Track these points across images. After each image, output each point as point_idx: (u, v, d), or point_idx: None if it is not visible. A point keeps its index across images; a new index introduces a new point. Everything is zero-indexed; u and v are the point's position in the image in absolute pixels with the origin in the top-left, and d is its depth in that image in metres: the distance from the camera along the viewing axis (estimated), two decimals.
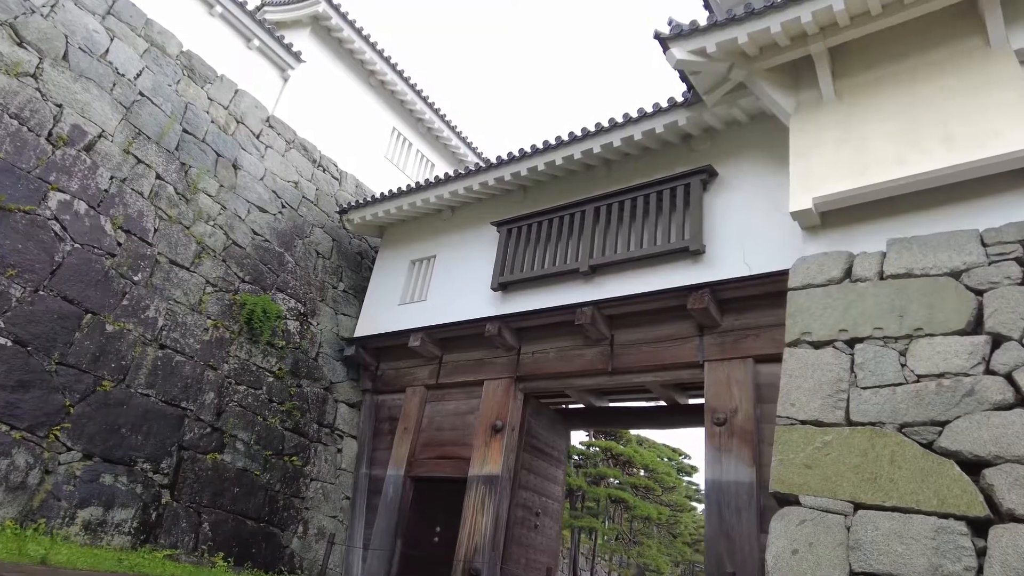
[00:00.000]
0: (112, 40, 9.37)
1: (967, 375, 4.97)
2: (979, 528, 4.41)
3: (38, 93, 8.15)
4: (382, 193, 11.98)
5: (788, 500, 5.35)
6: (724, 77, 7.71)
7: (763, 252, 7.64)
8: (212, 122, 10.65)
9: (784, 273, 7.15)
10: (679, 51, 7.36)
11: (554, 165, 9.71)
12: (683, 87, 8.35)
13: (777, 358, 7.33)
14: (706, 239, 8.13)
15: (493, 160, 10.43)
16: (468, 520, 8.82)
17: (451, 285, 10.86)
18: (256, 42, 11.92)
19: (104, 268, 8.25)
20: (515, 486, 9.25)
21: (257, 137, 11.51)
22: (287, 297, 10.95)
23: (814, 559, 4.87)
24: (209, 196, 10.14)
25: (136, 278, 8.64)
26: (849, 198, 6.33)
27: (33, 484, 6.94)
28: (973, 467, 4.61)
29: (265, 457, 9.60)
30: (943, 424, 4.89)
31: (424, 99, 15.47)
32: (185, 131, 10.10)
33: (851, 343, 5.72)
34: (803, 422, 5.58)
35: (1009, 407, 4.69)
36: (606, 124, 9.04)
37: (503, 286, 9.84)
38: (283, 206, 11.54)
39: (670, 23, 7.55)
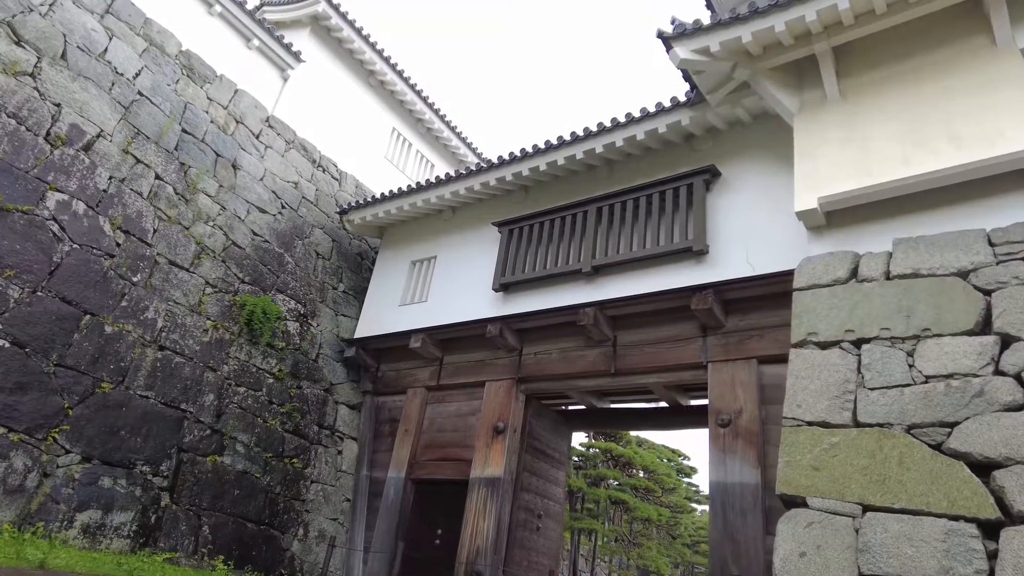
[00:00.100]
0: (111, 39, 9.31)
1: (976, 376, 4.92)
2: (990, 530, 4.36)
3: (36, 92, 8.08)
4: (382, 193, 11.93)
5: (795, 502, 5.30)
6: (727, 76, 7.67)
7: (767, 252, 7.60)
8: (211, 122, 10.59)
9: (788, 273, 7.11)
10: (682, 50, 7.32)
11: (556, 165, 9.66)
12: (685, 87, 8.34)
13: (781, 359, 7.30)
14: (709, 239, 8.09)
15: (494, 160, 10.38)
16: (470, 522, 8.76)
17: (452, 286, 10.81)
18: (256, 42, 11.86)
19: (103, 269, 8.18)
20: (517, 488, 9.20)
21: (257, 137, 11.45)
22: (287, 298, 10.88)
23: (822, 562, 4.82)
24: (208, 196, 10.07)
25: (135, 279, 8.57)
26: (854, 198, 6.29)
27: (31, 487, 6.87)
28: (983, 469, 4.56)
29: (265, 459, 9.53)
30: (952, 425, 4.84)
31: (424, 99, 15.42)
32: (184, 131, 10.04)
33: (858, 344, 5.68)
34: (810, 423, 5.54)
35: (1019, 408, 4.65)
36: (608, 124, 9.00)
37: (504, 287, 9.79)
38: (283, 206, 11.48)
39: (673, 22, 7.51)
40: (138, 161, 9.13)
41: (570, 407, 11.39)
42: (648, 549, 26.47)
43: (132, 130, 9.18)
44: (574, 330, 8.99)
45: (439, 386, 10.52)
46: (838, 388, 5.55)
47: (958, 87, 6.08)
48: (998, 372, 4.88)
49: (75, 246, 7.96)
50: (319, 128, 13.04)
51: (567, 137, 9.42)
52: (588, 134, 9.19)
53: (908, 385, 5.22)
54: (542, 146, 9.69)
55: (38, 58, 8.23)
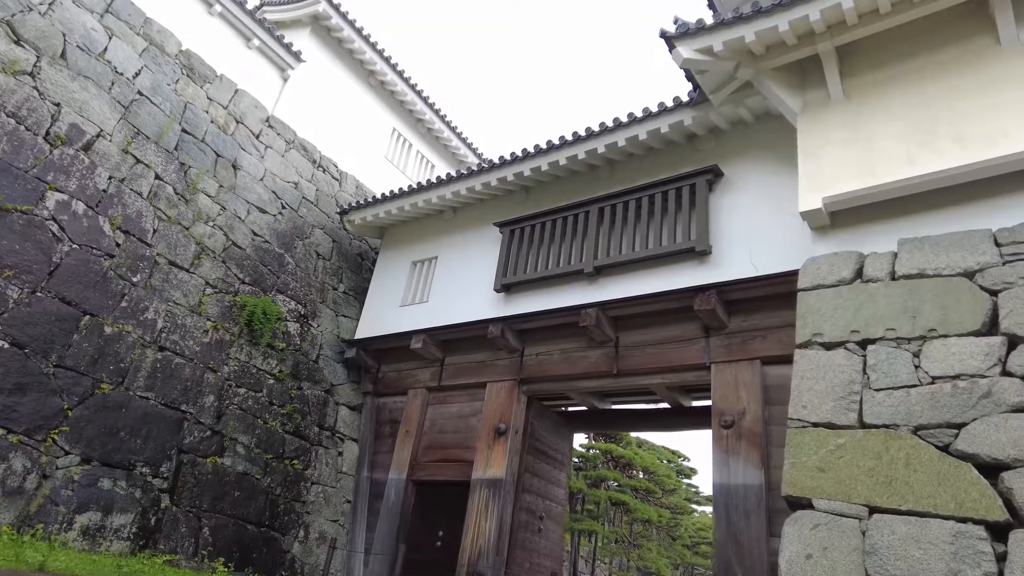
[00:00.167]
0: (110, 39, 9.26)
1: (983, 376, 4.90)
2: (998, 533, 4.33)
3: (36, 92, 8.04)
4: (383, 194, 11.89)
5: (801, 504, 5.27)
6: (730, 76, 7.64)
7: (770, 253, 7.57)
8: (211, 122, 10.54)
9: (791, 274, 7.09)
10: (685, 50, 7.30)
11: (557, 165, 9.63)
12: (687, 87, 8.32)
13: (785, 360, 7.28)
14: (712, 239, 8.06)
15: (495, 160, 10.35)
16: (472, 524, 8.71)
17: (453, 286, 10.77)
18: (256, 41, 11.83)
19: (103, 269, 8.13)
20: (519, 489, 9.15)
21: (257, 137, 11.41)
22: (287, 299, 10.84)
23: (829, 564, 4.79)
24: (208, 196, 10.03)
25: (135, 279, 8.52)
26: (859, 198, 6.27)
27: (30, 489, 6.82)
28: (991, 470, 4.53)
29: (266, 461, 9.48)
30: (959, 426, 4.81)
31: (424, 99, 15.39)
32: (184, 131, 9.99)
33: (863, 344, 5.65)
34: (815, 424, 5.51)
35: None
36: (610, 123, 8.97)
37: (506, 287, 9.75)
38: (283, 207, 11.44)
39: (676, 22, 7.49)
40: (138, 161, 9.08)
41: (571, 408, 11.36)
42: (648, 550, 26.43)
43: (132, 130, 9.14)
44: (576, 331, 8.95)
45: (440, 387, 10.48)
46: (843, 389, 5.52)
47: (963, 87, 6.05)
48: (1005, 373, 4.85)
49: (74, 246, 7.91)
50: (319, 128, 13.00)
51: (569, 137, 9.39)
52: (590, 134, 9.16)
53: (914, 386, 5.19)
54: (544, 146, 9.66)
55: (37, 57, 8.18)
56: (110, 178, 8.62)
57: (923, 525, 4.57)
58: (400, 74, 14.66)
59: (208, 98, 10.64)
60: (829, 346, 5.81)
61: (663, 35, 7.45)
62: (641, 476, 27.31)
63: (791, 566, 4.96)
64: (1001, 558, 4.21)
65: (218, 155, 10.46)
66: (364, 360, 11.43)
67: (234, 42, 11.62)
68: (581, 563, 25.14)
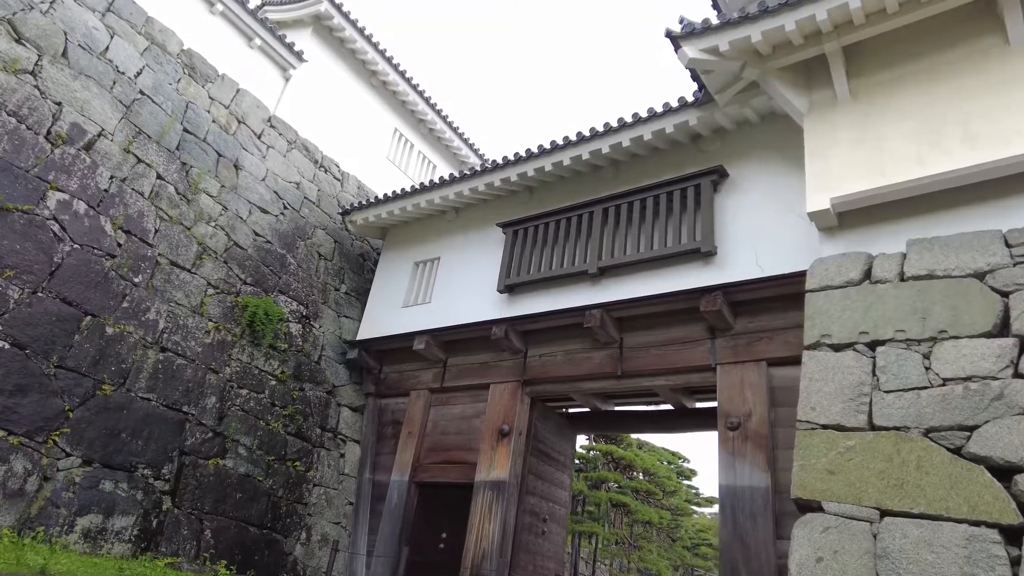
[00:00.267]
0: (112, 38, 9.21)
1: (995, 378, 4.86)
2: (1012, 536, 4.29)
3: (37, 91, 7.98)
4: (385, 194, 11.84)
5: (810, 507, 5.23)
6: (736, 76, 7.60)
7: (775, 253, 7.53)
8: (213, 122, 10.49)
9: (798, 275, 7.05)
10: (691, 50, 7.26)
11: (561, 166, 9.59)
12: (689, 86, 8.29)
13: (791, 361, 7.24)
14: (717, 240, 8.02)
15: (499, 160, 10.30)
16: (475, 526, 8.66)
17: (456, 287, 10.72)
18: (257, 41, 11.78)
19: (104, 269, 8.08)
20: (522, 492, 9.10)
21: (259, 137, 11.36)
22: (289, 299, 10.78)
23: (840, 567, 4.75)
24: (210, 196, 9.97)
25: (136, 279, 8.46)
26: (867, 198, 6.23)
27: (31, 491, 6.76)
28: (1004, 473, 4.50)
29: (267, 462, 9.42)
30: (971, 429, 4.77)
31: (426, 100, 15.35)
32: (186, 130, 9.94)
33: (872, 346, 5.61)
34: (824, 426, 5.47)
35: None
36: (615, 124, 8.93)
37: (509, 288, 9.70)
38: (285, 207, 11.38)
39: (681, 21, 7.45)
40: (139, 161, 9.03)
41: (573, 409, 11.31)
42: (649, 552, 26.38)
43: (133, 129, 9.08)
44: (580, 332, 8.91)
45: (443, 388, 10.43)
46: (853, 391, 5.48)
47: (972, 87, 6.02)
48: (1018, 375, 4.81)
49: (76, 246, 7.85)
50: (321, 128, 12.96)
51: (573, 137, 9.35)
52: (594, 134, 9.12)
53: (925, 388, 5.15)
54: (547, 146, 9.62)
55: (39, 56, 8.13)
56: (111, 178, 8.57)
57: (936, 529, 4.53)
58: (402, 74, 14.62)
59: (210, 98, 10.59)
60: (838, 347, 5.77)
61: (669, 35, 7.41)
62: (641, 478, 27.26)
63: (801, 569, 4.92)
64: (1016, 562, 4.17)
65: (220, 155, 10.40)
66: (366, 361, 11.38)
67: (236, 41, 11.57)
68: (582, 565, 25.09)
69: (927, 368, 5.22)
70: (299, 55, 12.41)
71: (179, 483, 8.23)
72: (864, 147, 6.42)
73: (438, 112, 15.72)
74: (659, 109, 8.59)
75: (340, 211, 12.40)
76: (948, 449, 4.80)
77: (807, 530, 5.08)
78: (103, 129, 8.64)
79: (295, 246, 11.27)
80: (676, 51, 7.42)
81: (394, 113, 15.15)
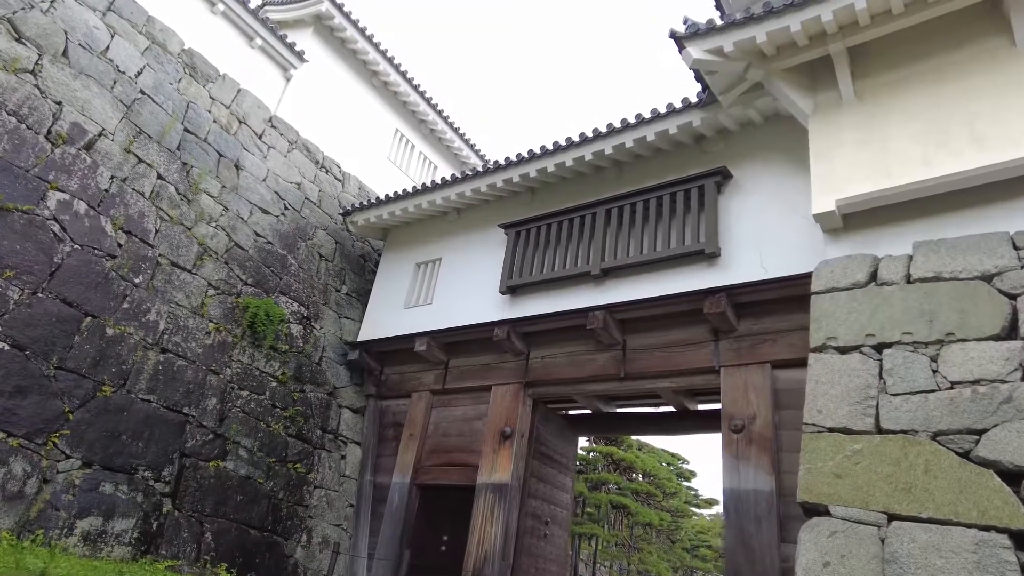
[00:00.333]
0: (113, 37, 9.17)
1: (1004, 382, 4.82)
2: (1022, 542, 4.25)
3: (37, 90, 7.94)
4: (387, 195, 11.79)
5: (817, 510, 5.19)
6: (740, 77, 7.57)
7: (780, 255, 7.49)
8: (214, 122, 10.45)
9: (802, 277, 7.02)
10: (695, 50, 7.23)
11: (564, 167, 9.55)
12: (691, 87, 8.36)
13: (795, 363, 7.21)
14: (721, 242, 7.98)
15: (501, 161, 10.25)
16: (477, 529, 8.61)
17: (457, 288, 10.67)
18: (258, 41, 11.74)
19: (104, 270, 8.03)
20: (524, 494, 9.06)
21: (259, 137, 11.31)
22: (290, 300, 10.73)
23: (847, 572, 4.71)
24: (211, 197, 9.92)
25: (137, 280, 8.41)
26: (873, 200, 6.19)
27: (31, 493, 6.70)
28: (1014, 477, 4.46)
29: (268, 464, 9.37)
30: (980, 433, 4.74)
31: (427, 100, 15.31)
32: (187, 130, 9.90)
33: (879, 348, 5.57)
34: (831, 430, 5.43)
35: None
36: (618, 125, 8.90)
37: (512, 289, 9.66)
38: (286, 207, 11.34)
39: (686, 22, 7.42)
40: (140, 160, 8.98)
41: (574, 411, 11.26)
42: (649, 554, 26.34)
43: (134, 129, 9.04)
44: (583, 334, 8.87)
45: (444, 390, 10.38)
46: (859, 393, 5.45)
47: (979, 87, 5.99)
48: None
49: (76, 247, 7.81)
50: (322, 129, 12.91)
51: (576, 138, 9.31)
52: (597, 135, 9.08)
53: (932, 391, 5.11)
54: (550, 147, 9.58)
55: (39, 55, 8.08)
56: (112, 178, 8.52)
57: (944, 533, 4.49)
58: (403, 75, 14.58)
59: (211, 97, 10.54)
60: (844, 350, 5.74)
61: (673, 35, 7.38)
62: (641, 479, 27.22)
63: (808, 573, 4.88)
64: None
65: (220, 155, 10.36)
66: (367, 362, 11.33)
67: (237, 41, 11.53)
68: (581, 567, 25.04)
69: (934, 371, 5.19)
70: (300, 55, 12.37)
71: (179, 485, 8.18)
72: (869, 148, 6.38)
73: (439, 113, 15.69)
74: (662, 110, 8.55)
75: (341, 212, 12.35)
76: (957, 453, 4.76)
77: (814, 534, 5.04)
78: (104, 129, 8.60)
79: (296, 247, 11.23)
80: (680, 52, 7.39)
81: (395, 113, 15.11)
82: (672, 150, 9.10)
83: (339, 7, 13.10)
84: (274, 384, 9.90)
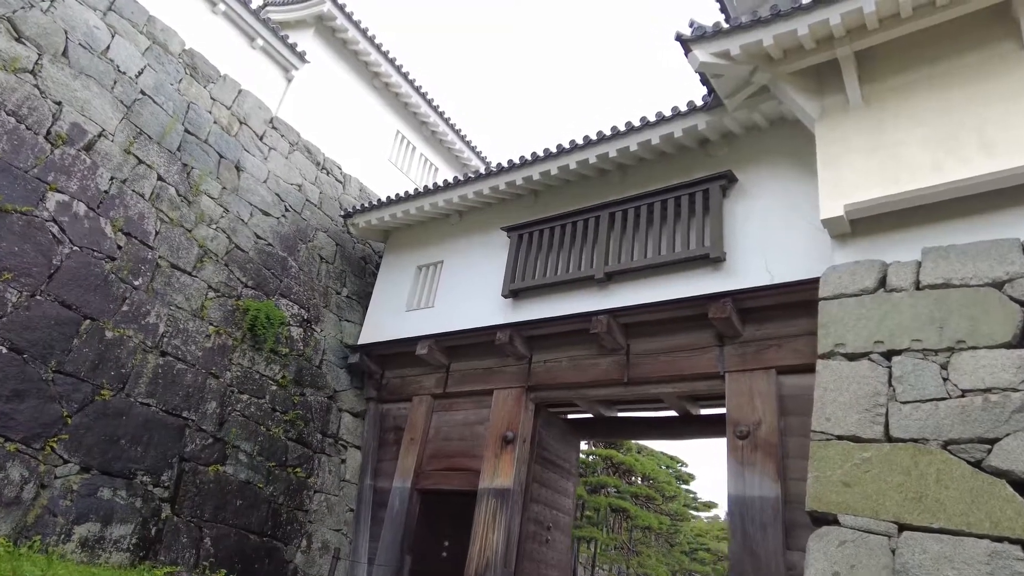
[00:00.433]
0: (113, 37, 9.09)
1: (1016, 390, 4.77)
2: None
3: (36, 90, 7.86)
4: (388, 197, 11.73)
5: (826, 519, 5.13)
6: (746, 80, 7.52)
7: (785, 261, 7.44)
8: (215, 123, 10.37)
9: (808, 282, 6.97)
10: (702, 53, 7.17)
11: (568, 169, 9.49)
12: (693, 88, 8.39)
13: (801, 369, 7.15)
14: (726, 246, 7.93)
15: (503, 164, 10.19)
16: (479, 535, 8.54)
17: (459, 291, 10.60)
18: (260, 41, 11.67)
19: (104, 272, 7.95)
20: (527, 500, 8.99)
21: (260, 139, 11.24)
22: (290, 303, 10.66)
23: None
24: (211, 198, 9.85)
25: (137, 282, 8.33)
26: (881, 205, 6.14)
27: (28, 499, 6.61)
28: None
29: (268, 468, 9.28)
30: (992, 442, 4.68)
31: (428, 102, 15.25)
32: (187, 131, 9.82)
33: (888, 355, 5.52)
34: (840, 437, 5.37)
35: None
36: (623, 128, 8.84)
37: (514, 293, 9.59)
38: (286, 209, 11.26)
39: (692, 25, 7.37)
40: (140, 162, 8.90)
41: (575, 415, 11.18)
42: (648, 557, 26.25)
43: (134, 130, 8.96)
44: (586, 338, 8.80)
45: (446, 394, 10.31)
46: (868, 401, 5.39)
47: (989, 92, 5.94)
48: None
49: (75, 248, 7.72)
50: (323, 130, 12.85)
51: (579, 141, 9.25)
52: (602, 138, 9.03)
53: (943, 399, 5.06)
54: (554, 150, 9.52)
55: (39, 55, 8.01)
56: (112, 179, 8.44)
57: (956, 544, 4.43)
58: (404, 76, 14.53)
59: (211, 98, 10.47)
60: (852, 357, 5.68)
61: (679, 38, 7.33)
62: (640, 482, 27.14)
63: None
64: None
65: (221, 156, 10.28)
66: (368, 366, 11.25)
67: (238, 42, 11.46)
68: (580, 570, 24.93)
69: (945, 379, 5.13)
70: (301, 56, 12.30)
71: (178, 490, 8.09)
72: (878, 153, 6.33)
73: (440, 114, 15.63)
74: (667, 113, 8.50)
75: (342, 214, 12.28)
76: (968, 462, 4.70)
77: (823, 544, 4.98)
78: (103, 129, 8.52)
79: (296, 249, 11.15)
80: (686, 55, 7.33)
81: (396, 115, 15.05)
82: (676, 154, 9.05)
83: (341, 8, 13.04)
84: (274, 388, 9.82)
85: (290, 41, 12.14)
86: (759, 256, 7.68)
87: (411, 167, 15.50)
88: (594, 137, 9.09)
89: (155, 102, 9.41)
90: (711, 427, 9.90)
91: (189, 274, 9.10)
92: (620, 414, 10.78)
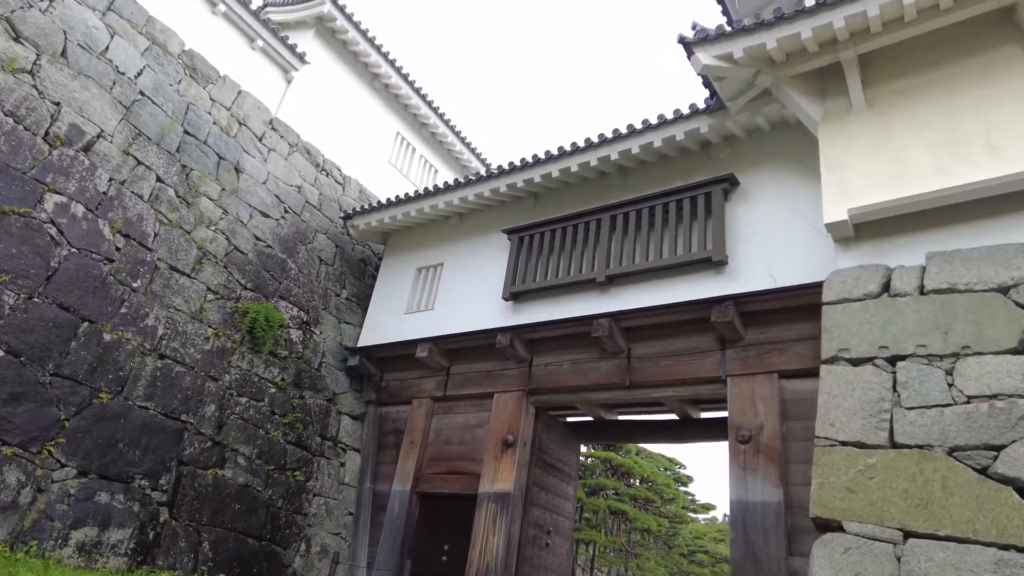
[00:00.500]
0: (112, 37, 9.04)
1: (1022, 397, 4.74)
2: None
3: (35, 90, 7.80)
4: (388, 199, 11.68)
5: (830, 526, 5.10)
6: (749, 83, 7.50)
7: (788, 264, 7.41)
8: (214, 124, 10.32)
9: (811, 286, 6.94)
10: (705, 56, 7.15)
11: (569, 172, 9.45)
12: (690, 89, 8.44)
13: (803, 374, 7.12)
14: (728, 250, 7.90)
15: (504, 166, 10.15)
16: (479, 539, 8.49)
17: (459, 294, 10.56)
18: (259, 42, 11.62)
19: (102, 274, 7.89)
20: (527, 504, 8.93)
21: (260, 140, 11.19)
22: (290, 305, 10.60)
23: None
24: (211, 200, 9.79)
25: (135, 285, 8.27)
26: (885, 209, 6.12)
27: (25, 503, 6.55)
28: None
29: (267, 472, 9.22)
30: (998, 448, 4.65)
31: (429, 103, 15.21)
32: (186, 132, 9.77)
33: (892, 361, 5.49)
34: (844, 443, 5.34)
35: None
36: (624, 130, 8.81)
37: (515, 296, 9.55)
38: (286, 211, 11.21)
39: (694, 27, 7.35)
40: (139, 163, 8.85)
41: (575, 419, 11.14)
42: (646, 559, 26.21)
43: (133, 131, 8.91)
44: (587, 341, 8.76)
45: (445, 397, 10.26)
46: (873, 407, 5.36)
47: (994, 96, 5.92)
48: None
49: (73, 250, 7.67)
50: (323, 131, 12.80)
51: (581, 143, 9.22)
52: (603, 140, 8.99)
53: (948, 405, 5.03)
54: (555, 152, 9.49)
55: (37, 55, 7.95)
56: (110, 180, 8.39)
57: (963, 552, 4.40)
58: (404, 77, 14.49)
59: (211, 99, 10.42)
60: (856, 362, 5.65)
61: (682, 41, 7.30)
62: (639, 485, 27.10)
63: None
64: None
65: (220, 157, 10.23)
66: (367, 368, 11.20)
67: (237, 43, 11.41)
68: (579, 572, 24.87)
69: (950, 385, 5.10)
70: (301, 57, 12.26)
71: (177, 494, 8.03)
72: (882, 157, 6.31)
73: (440, 116, 15.59)
74: (669, 115, 8.47)
75: (342, 215, 12.23)
76: (974, 469, 4.67)
77: (827, 550, 4.94)
78: (102, 130, 8.46)
79: (296, 251, 11.10)
80: (689, 57, 7.31)
81: (396, 116, 15.01)
82: (678, 156, 9.02)
83: (341, 9, 13.00)
84: (273, 390, 9.77)
85: (290, 42, 12.10)
86: (761, 260, 7.65)
87: (411, 169, 15.46)
88: (595, 139, 9.06)
89: (154, 103, 9.36)
90: (712, 431, 9.86)
91: (188, 276, 9.04)
92: (620, 417, 10.74)
